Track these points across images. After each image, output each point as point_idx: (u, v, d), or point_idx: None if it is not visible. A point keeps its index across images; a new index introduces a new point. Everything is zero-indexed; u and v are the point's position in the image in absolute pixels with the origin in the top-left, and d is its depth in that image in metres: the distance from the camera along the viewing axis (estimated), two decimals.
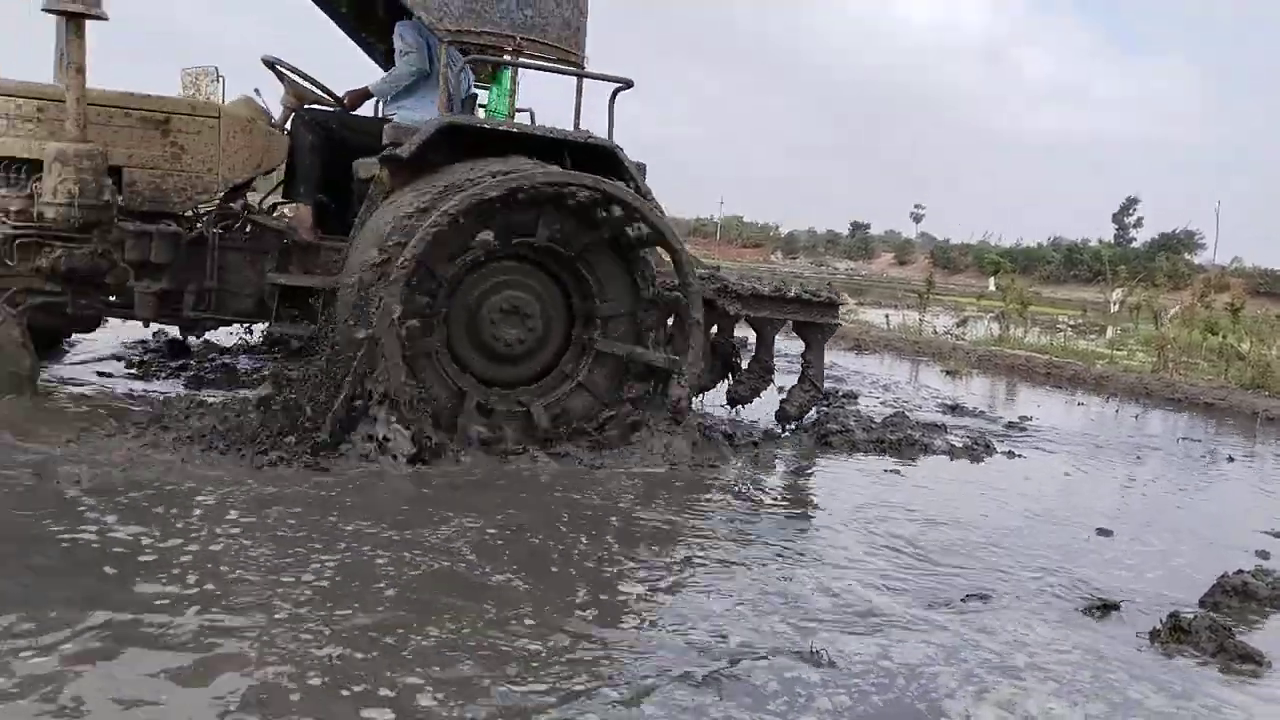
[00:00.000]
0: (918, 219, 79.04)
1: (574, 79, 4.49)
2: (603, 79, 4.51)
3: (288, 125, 4.67)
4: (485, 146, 4.15)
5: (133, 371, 5.05)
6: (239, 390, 4.79)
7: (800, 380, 5.19)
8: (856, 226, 70.78)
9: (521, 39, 4.33)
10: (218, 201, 4.44)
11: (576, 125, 4.44)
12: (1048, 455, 5.43)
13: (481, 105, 5.38)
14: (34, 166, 4.05)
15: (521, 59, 4.37)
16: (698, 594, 2.74)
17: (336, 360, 3.77)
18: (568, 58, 4.53)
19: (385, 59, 5.37)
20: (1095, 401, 8.32)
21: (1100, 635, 2.71)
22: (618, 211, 4.12)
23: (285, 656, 2.10)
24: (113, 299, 4.26)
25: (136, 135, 4.27)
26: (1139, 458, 5.68)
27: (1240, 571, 3.21)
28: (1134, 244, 54.01)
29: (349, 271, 4.03)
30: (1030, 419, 6.42)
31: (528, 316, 4.23)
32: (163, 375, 5.06)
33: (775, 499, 3.95)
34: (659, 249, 4.43)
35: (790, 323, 5.10)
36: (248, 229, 4.47)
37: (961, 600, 2.89)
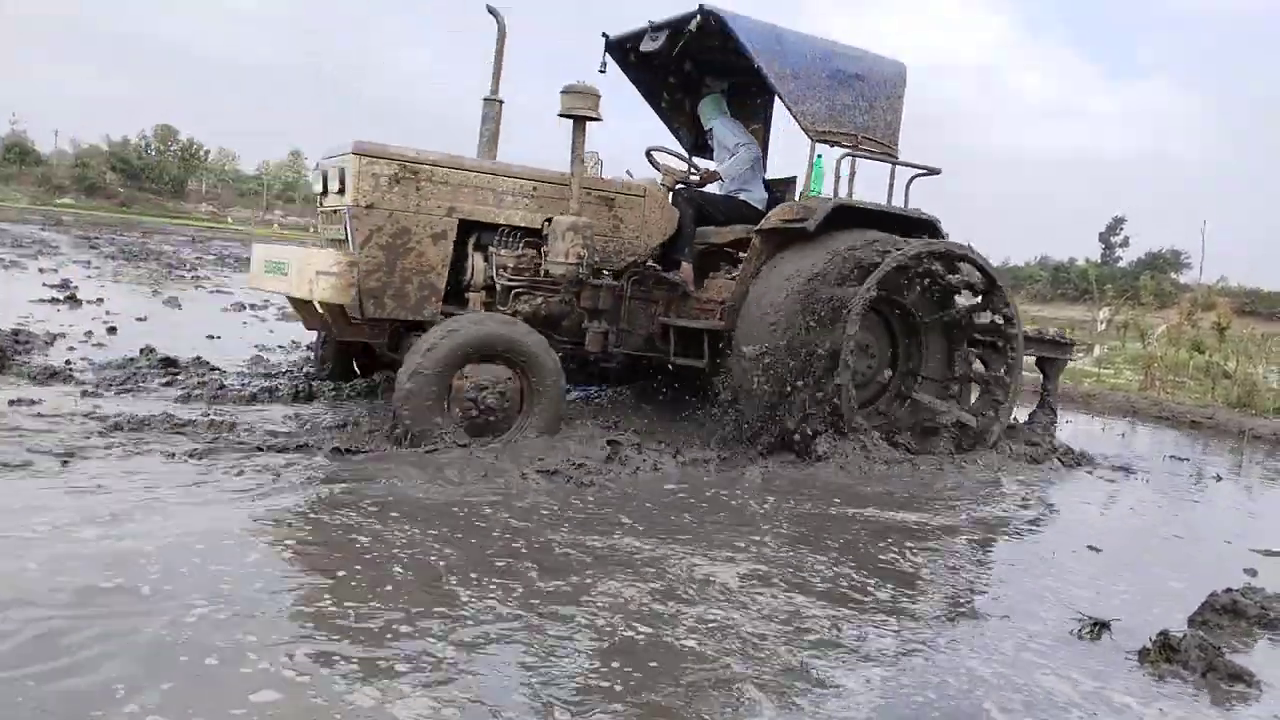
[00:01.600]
0: None
1: (889, 166, 5.76)
2: (912, 166, 5.78)
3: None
4: (834, 220, 5.30)
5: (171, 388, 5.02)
6: (232, 405, 4.78)
7: (1040, 405, 6.47)
8: None
9: (862, 136, 5.59)
10: (630, 261, 5.53)
11: (889, 200, 5.69)
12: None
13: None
14: (525, 233, 5.08)
15: (859, 150, 5.55)
16: None
17: (769, 376, 4.86)
18: (889, 150, 5.76)
19: (687, 141, 6.71)
20: (1082, 419, 8.35)
21: (1089, 654, 2.71)
22: (974, 277, 5.48)
23: None
24: (562, 338, 5.25)
25: (594, 210, 5.29)
26: (1127, 475, 5.69)
27: (1229, 590, 3.21)
28: (1120, 263, 54.35)
29: (761, 310, 5.07)
30: None
31: (872, 355, 5.54)
32: (152, 391, 5.04)
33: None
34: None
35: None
36: (650, 283, 5.62)
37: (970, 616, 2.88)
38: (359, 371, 6.01)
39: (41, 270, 11.83)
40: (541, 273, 5.02)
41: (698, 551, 3.27)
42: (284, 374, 5.99)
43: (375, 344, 5.23)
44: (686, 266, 5.66)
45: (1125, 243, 57.70)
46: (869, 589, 3.10)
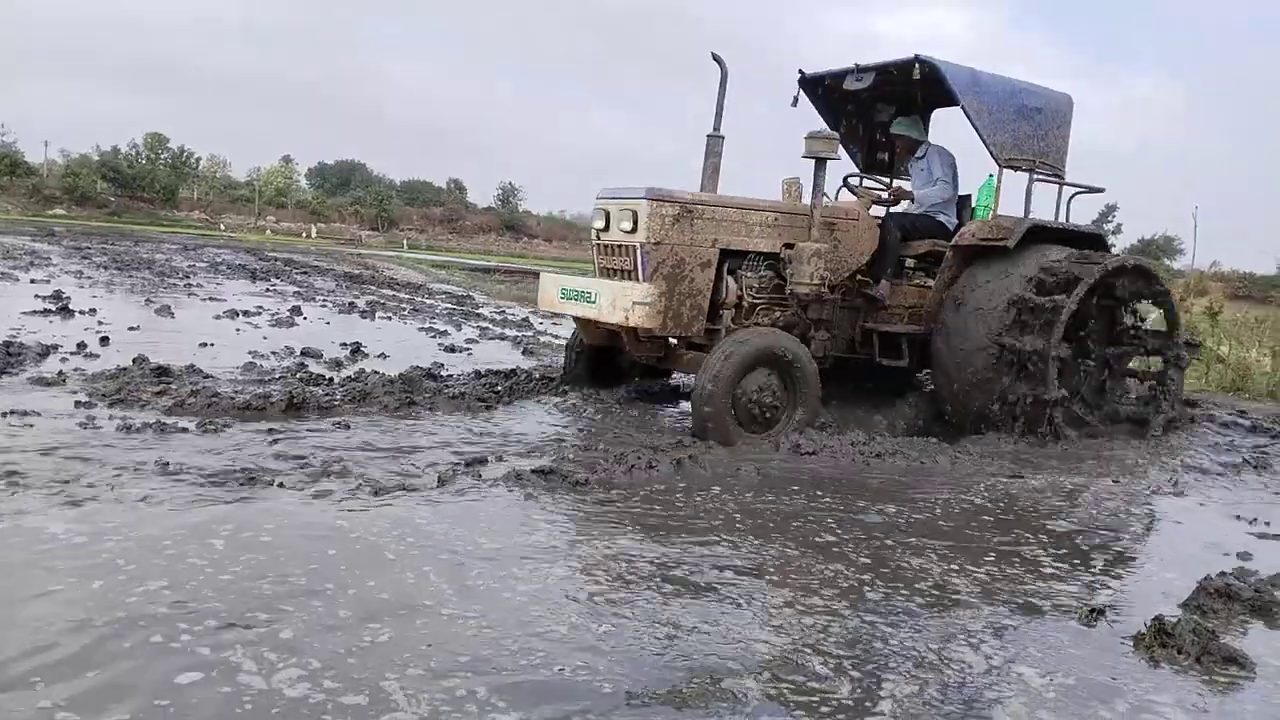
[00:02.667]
0: None
1: (1056, 185, 6.61)
2: (1077, 186, 6.69)
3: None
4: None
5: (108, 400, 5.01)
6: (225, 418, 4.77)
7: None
8: None
9: (1038, 160, 6.42)
10: (845, 277, 6.26)
11: (1055, 216, 6.56)
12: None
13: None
14: (764, 257, 5.89)
15: (1035, 173, 6.37)
16: None
17: (972, 375, 5.85)
18: (1057, 171, 6.58)
19: (860, 161, 7.60)
20: None
21: (1084, 640, 2.72)
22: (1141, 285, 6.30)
23: None
24: None
25: (821, 234, 5.90)
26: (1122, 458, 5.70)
27: (1223, 574, 3.23)
28: (1115, 250, 54.39)
29: (970, 319, 5.94)
30: None
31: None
32: (142, 401, 5.03)
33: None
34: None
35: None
36: (854, 294, 6.41)
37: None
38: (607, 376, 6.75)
39: (33, 281, 11.80)
40: (787, 292, 5.85)
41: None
42: (278, 380, 5.98)
43: (646, 356, 6.16)
44: (886, 281, 6.43)
45: (1119, 229, 57.75)
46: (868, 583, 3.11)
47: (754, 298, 5.88)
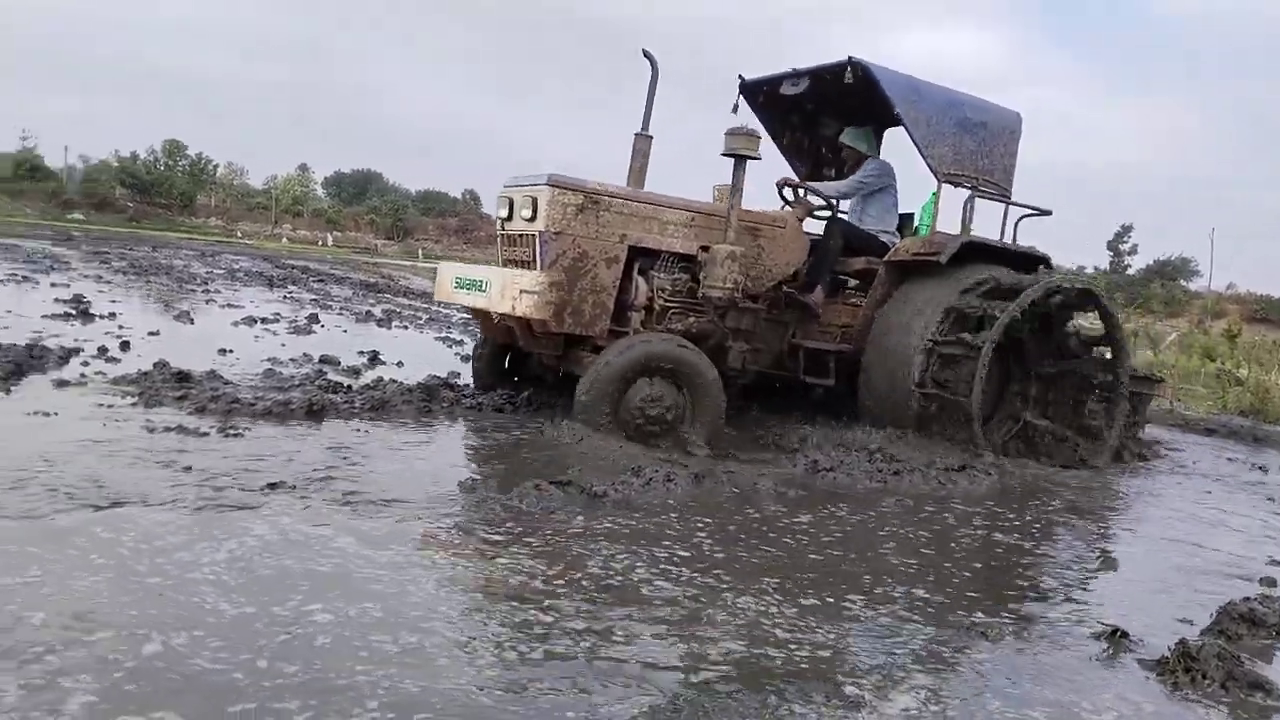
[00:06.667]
0: None
1: (1002, 205, 6.38)
2: (1024, 206, 6.45)
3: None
4: (959, 255, 5.88)
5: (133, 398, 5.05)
6: (247, 419, 4.79)
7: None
8: None
9: (981, 178, 6.22)
10: (769, 286, 5.99)
11: (1001, 237, 6.33)
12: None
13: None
14: (679, 259, 5.62)
15: (977, 190, 6.17)
16: None
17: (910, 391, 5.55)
18: (1003, 190, 6.37)
19: (803, 174, 7.33)
20: None
21: (1106, 665, 2.70)
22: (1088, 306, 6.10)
23: None
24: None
25: (742, 239, 5.66)
26: (1143, 480, 5.68)
27: (1247, 599, 3.21)
28: (1129, 271, 54.21)
29: (896, 331, 5.74)
30: None
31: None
32: (165, 402, 5.06)
33: None
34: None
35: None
36: (782, 305, 6.14)
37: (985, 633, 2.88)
38: (515, 378, 6.56)
39: (53, 285, 11.89)
40: (698, 296, 5.55)
41: None
42: (297, 387, 6.00)
43: (546, 355, 5.74)
44: (819, 290, 6.11)
45: (1134, 250, 57.61)
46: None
47: (666, 301, 5.59)
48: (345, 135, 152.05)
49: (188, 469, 3.76)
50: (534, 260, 5.29)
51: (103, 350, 6.75)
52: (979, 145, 6.22)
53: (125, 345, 7.16)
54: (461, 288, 5.75)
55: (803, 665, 2.45)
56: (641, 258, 5.53)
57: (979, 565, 3.64)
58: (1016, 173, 6.47)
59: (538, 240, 5.24)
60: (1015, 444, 6.01)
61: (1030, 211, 6.47)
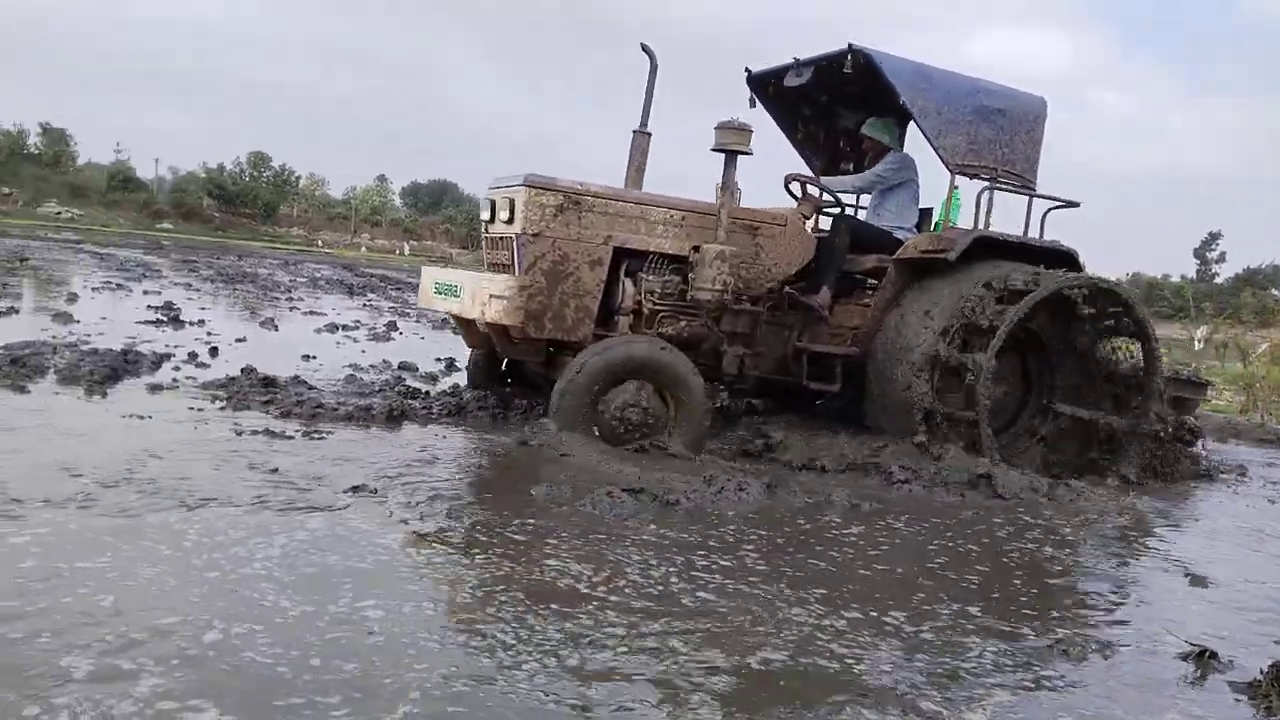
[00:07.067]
0: None
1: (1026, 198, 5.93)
2: (1049, 198, 5.95)
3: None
4: (973, 252, 5.50)
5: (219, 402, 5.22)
6: (326, 421, 4.92)
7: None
8: None
9: (1001, 169, 5.76)
10: (770, 287, 5.66)
11: (1025, 233, 5.85)
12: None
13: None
14: (671, 260, 5.34)
15: (997, 182, 5.75)
16: None
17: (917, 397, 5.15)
18: (1027, 182, 5.92)
19: (818, 170, 6.85)
20: None
21: (1194, 687, 2.63)
22: (1109, 307, 5.55)
23: None
24: (700, 360, 5.30)
25: (738, 238, 5.44)
26: (1233, 496, 5.49)
27: None
28: (1217, 279, 52.49)
29: (902, 335, 5.38)
30: None
31: (1003, 380, 5.56)
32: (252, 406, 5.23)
33: None
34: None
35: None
36: (785, 307, 5.77)
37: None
38: (510, 387, 6.34)
39: (145, 293, 12.35)
40: (688, 298, 5.29)
41: None
42: (377, 393, 6.14)
43: (531, 362, 5.54)
44: (826, 291, 5.75)
45: (1222, 258, 55.87)
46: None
47: (656, 304, 5.31)
48: (422, 146, 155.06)
49: (274, 470, 3.89)
50: (513, 264, 5.10)
51: (193, 356, 6.99)
52: (998, 134, 5.80)
53: (214, 351, 7.41)
54: (440, 293, 5.59)
55: (874, 678, 2.44)
56: (628, 259, 5.31)
57: (1057, 582, 3.57)
58: (1041, 163, 6.04)
59: (515, 243, 5.05)
60: (1038, 449, 5.69)
61: (1057, 204, 5.98)
